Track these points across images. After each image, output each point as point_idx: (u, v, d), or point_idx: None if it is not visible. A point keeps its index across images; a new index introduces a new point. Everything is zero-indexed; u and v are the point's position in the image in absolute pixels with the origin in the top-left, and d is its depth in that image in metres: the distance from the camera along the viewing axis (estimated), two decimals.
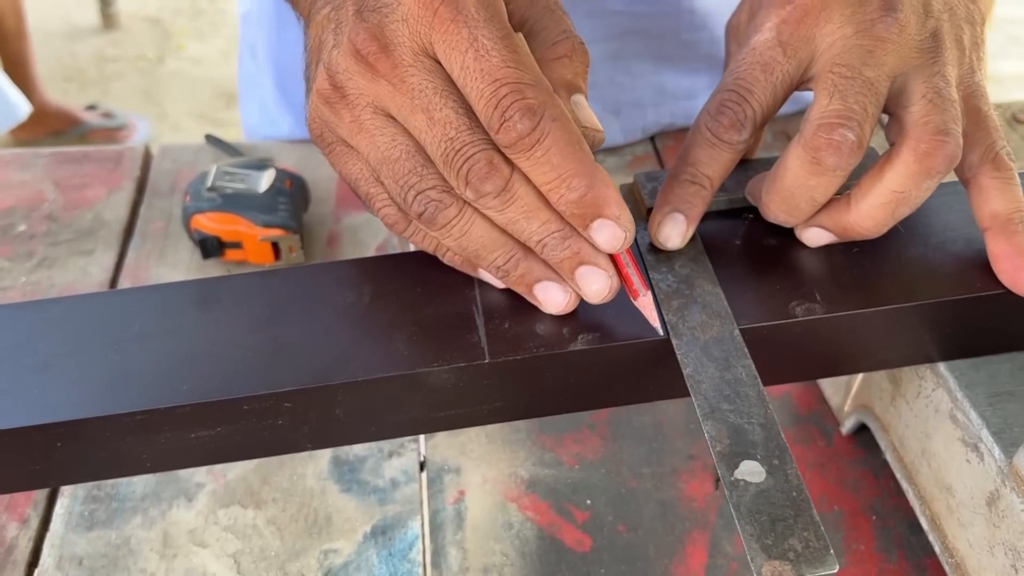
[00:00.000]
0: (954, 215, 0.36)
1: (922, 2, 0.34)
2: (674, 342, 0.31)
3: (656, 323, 0.32)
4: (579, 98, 0.32)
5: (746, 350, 0.31)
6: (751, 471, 0.27)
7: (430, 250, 0.34)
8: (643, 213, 0.36)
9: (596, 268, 0.31)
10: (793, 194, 0.33)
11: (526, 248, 0.32)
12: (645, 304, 0.32)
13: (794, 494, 0.26)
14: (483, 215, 0.31)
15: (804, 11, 0.33)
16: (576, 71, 0.32)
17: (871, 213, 0.33)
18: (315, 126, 0.34)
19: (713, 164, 0.34)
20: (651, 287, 0.32)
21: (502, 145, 0.29)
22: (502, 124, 0.28)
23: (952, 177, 0.35)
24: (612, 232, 0.30)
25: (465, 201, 0.31)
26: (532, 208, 0.30)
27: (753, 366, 0.30)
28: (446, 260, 0.34)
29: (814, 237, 0.35)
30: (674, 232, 0.34)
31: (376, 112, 0.31)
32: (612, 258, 0.31)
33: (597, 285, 0.31)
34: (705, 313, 0.32)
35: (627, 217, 0.30)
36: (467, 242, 0.31)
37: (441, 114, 0.29)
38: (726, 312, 0.32)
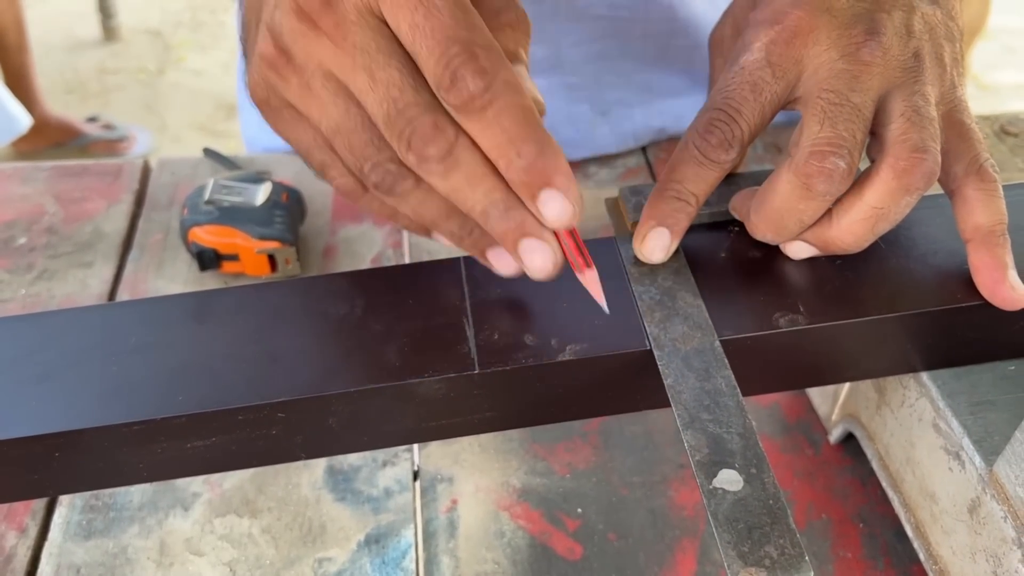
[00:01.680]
0: (935, 228, 0.37)
1: (904, 24, 0.34)
2: (656, 353, 0.32)
3: (602, 299, 0.31)
4: (520, 68, 0.32)
5: (726, 361, 0.31)
6: (729, 480, 0.28)
7: (385, 217, 0.34)
8: (627, 227, 0.36)
9: (539, 241, 0.30)
10: (782, 216, 0.34)
11: None
12: (590, 279, 0.31)
13: (771, 502, 0.27)
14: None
15: (793, 32, 0.34)
16: (518, 41, 0.32)
17: (852, 228, 0.33)
18: (259, 91, 0.32)
19: (699, 182, 0.34)
20: (593, 264, 0.32)
21: (451, 105, 0.28)
22: (452, 83, 0.28)
23: (935, 190, 0.35)
24: (560, 205, 0.29)
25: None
26: (476, 175, 0.29)
27: (733, 377, 0.31)
28: (401, 226, 0.35)
29: (797, 250, 0.35)
30: (658, 246, 0.34)
31: (327, 78, 0.30)
32: (555, 234, 0.31)
33: (541, 259, 0.31)
34: (686, 325, 0.33)
35: (576, 191, 0.29)
36: (424, 210, 0.31)
37: (384, 73, 0.28)
38: (707, 324, 0.32)
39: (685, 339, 0.32)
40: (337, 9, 0.29)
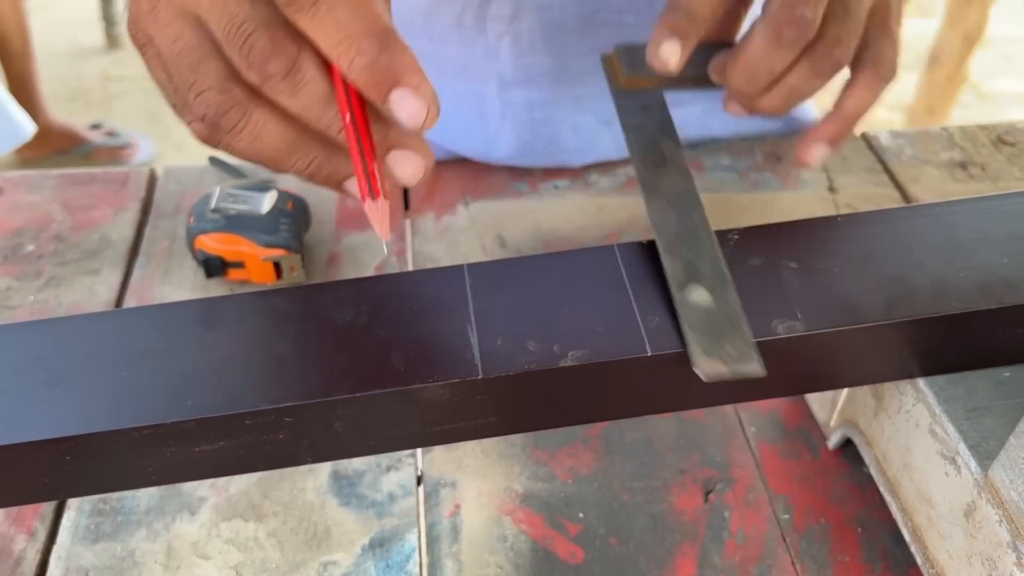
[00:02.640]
0: (931, 236, 0.37)
1: None
2: (644, 195, 0.36)
3: (386, 234, 0.31)
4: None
5: (702, 203, 0.36)
6: (699, 295, 0.33)
7: (255, 160, 0.31)
8: (620, 82, 0.40)
9: (406, 151, 0.29)
10: (756, 65, 0.37)
11: (327, 145, 0.29)
12: (373, 209, 0.29)
13: (731, 314, 0.32)
14: (274, 115, 0.28)
15: None
16: None
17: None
18: (131, 26, 0.31)
19: (705, 4, 0.38)
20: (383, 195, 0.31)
21: (283, 5, 0.26)
22: None
23: (932, 198, 0.36)
24: (413, 104, 0.27)
25: (251, 102, 0.28)
26: (326, 92, 0.27)
27: (706, 216, 0.35)
28: (302, 175, 0.31)
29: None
30: (672, 51, 0.38)
31: (171, 3, 0.28)
32: (364, 152, 0.28)
33: (412, 167, 0.29)
34: (671, 172, 0.37)
35: (428, 87, 0.27)
36: (261, 147, 0.29)
37: None
38: (686, 172, 0.37)
39: (669, 184, 0.36)
40: None
